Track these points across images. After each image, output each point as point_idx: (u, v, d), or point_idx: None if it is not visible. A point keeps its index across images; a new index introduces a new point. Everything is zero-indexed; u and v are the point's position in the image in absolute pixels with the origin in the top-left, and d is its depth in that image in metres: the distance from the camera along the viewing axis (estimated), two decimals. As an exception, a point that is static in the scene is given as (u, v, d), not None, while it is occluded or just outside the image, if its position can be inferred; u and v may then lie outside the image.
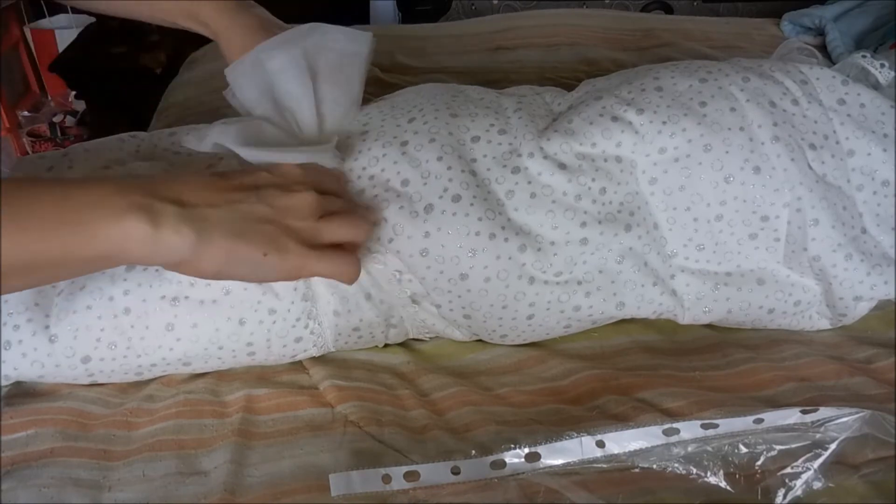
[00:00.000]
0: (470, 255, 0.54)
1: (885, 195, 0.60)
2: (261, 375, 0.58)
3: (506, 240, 0.54)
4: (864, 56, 0.66)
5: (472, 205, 0.54)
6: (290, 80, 0.59)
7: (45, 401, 0.55)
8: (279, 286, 0.54)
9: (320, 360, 0.59)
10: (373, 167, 0.56)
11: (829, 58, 1.06)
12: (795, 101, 0.60)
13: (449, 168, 0.55)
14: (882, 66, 0.65)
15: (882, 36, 1.02)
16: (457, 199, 0.54)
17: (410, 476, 0.49)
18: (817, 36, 1.11)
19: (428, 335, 0.62)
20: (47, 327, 0.53)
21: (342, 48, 0.62)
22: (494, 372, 0.59)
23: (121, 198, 0.41)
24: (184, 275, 0.46)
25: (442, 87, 0.65)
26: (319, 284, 0.55)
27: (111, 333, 0.53)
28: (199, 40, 1.16)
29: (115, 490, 0.48)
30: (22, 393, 0.55)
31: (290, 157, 0.53)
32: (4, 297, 0.53)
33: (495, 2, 1.31)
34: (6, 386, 0.56)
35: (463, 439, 0.53)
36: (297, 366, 0.59)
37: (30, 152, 1.82)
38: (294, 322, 0.55)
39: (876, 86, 0.65)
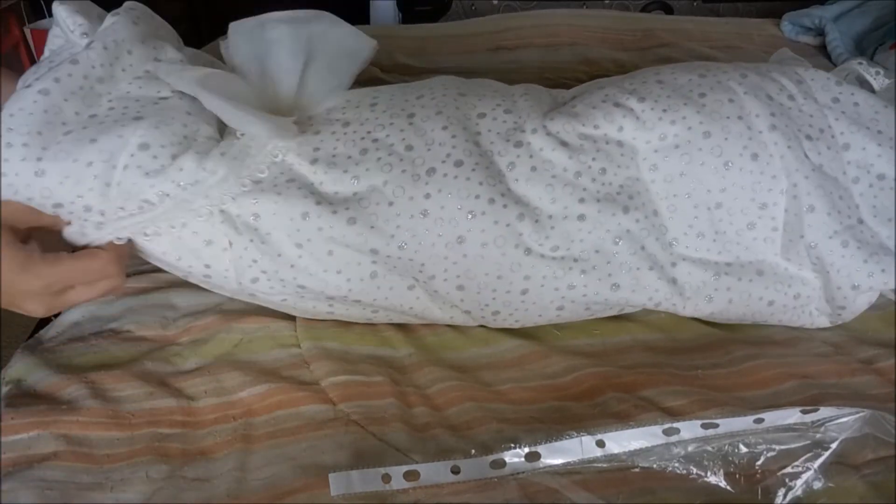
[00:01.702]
0: (469, 216, 0.55)
1: (880, 188, 0.61)
2: (262, 370, 0.58)
3: (504, 206, 0.55)
4: (860, 63, 0.68)
5: (473, 170, 0.56)
6: (284, 52, 0.60)
7: (47, 402, 0.55)
8: (240, 222, 0.55)
9: (322, 354, 0.59)
10: (378, 132, 0.58)
11: (829, 58, 1.06)
12: (791, 97, 0.62)
13: (453, 137, 0.57)
14: (878, 73, 0.67)
15: (882, 36, 1.02)
16: (459, 164, 0.56)
17: (410, 476, 0.49)
18: (817, 36, 1.11)
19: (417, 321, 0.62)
20: (40, 159, 0.51)
21: (343, 43, 0.63)
22: (496, 367, 0.59)
23: None
24: None
25: (452, 77, 0.67)
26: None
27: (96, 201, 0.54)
28: (199, 40, 1.16)
29: (118, 490, 0.49)
30: (23, 394, 0.55)
31: (245, 117, 0.55)
32: None
33: (495, 2, 1.31)
34: (7, 386, 0.56)
35: (464, 437, 0.53)
36: (299, 360, 0.59)
37: (30, 152, 1.82)
38: (251, 262, 0.56)
39: (871, 91, 0.66)
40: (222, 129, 0.59)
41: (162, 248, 0.56)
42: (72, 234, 0.54)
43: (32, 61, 1.86)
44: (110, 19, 0.58)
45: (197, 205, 0.54)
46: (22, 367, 0.58)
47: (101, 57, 0.55)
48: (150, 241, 0.55)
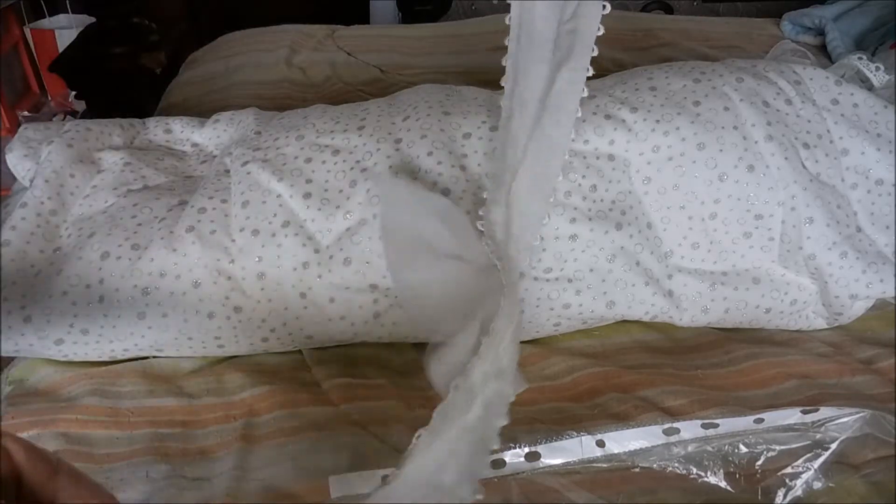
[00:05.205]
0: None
1: (878, 194, 0.60)
2: (263, 371, 0.58)
3: None
4: (860, 58, 0.67)
5: (460, 199, 0.55)
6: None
7: (47, 401, 0.55)
8: (246, 285, 0.55)
9: (323, 355, 0.59)
10: (366, 160, 0.58)
11: (829, 58, 1.06)
12: (789, 101, 0.61)
13: (439, 163, 0.57)
14: (878, 68, 0.66)
15: (882, 36, 1.02)
16: (446, 193, 0.55)
17: (411, 476, 0.49)
18: (817, 36, 1.11)
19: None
20: (23, 307, 0.54)
21: None
22: (495, 371, 0.59)
23: None
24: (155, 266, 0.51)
25: (437, 87, 0.66)
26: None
27: (84, 321, 0.54)
28: (199, 40, 1.16)
29: (118, 490, 0.48)
30: (24, 393, 0.55)
31: None
32: None
33: (495, 2, 1.31)
34: (10, 386, 0.56)
35: (463, 439, 0.53)
36: (300, 363, 0.59)
37: (30, 152, 1.82)
38: (260, 322, 0.56)
39: (870, 88, 0.66)
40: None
41: (173, 334, 0.55)
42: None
43: (32, 61, 1.86)
44: (46, 149, 0.60)
45: (189, 279, 0.54)
46: (25, 367, 0.58)
47: (45, 191, 0.58)
48: (160, 332, 0.55)
